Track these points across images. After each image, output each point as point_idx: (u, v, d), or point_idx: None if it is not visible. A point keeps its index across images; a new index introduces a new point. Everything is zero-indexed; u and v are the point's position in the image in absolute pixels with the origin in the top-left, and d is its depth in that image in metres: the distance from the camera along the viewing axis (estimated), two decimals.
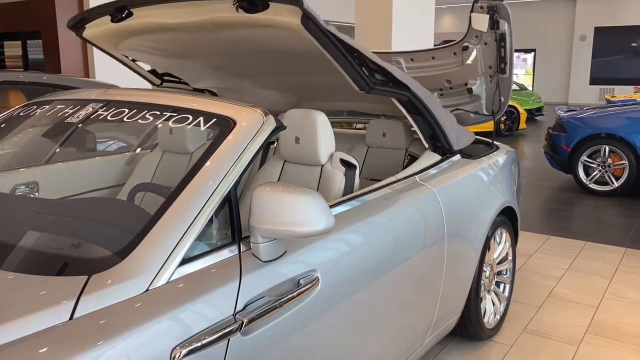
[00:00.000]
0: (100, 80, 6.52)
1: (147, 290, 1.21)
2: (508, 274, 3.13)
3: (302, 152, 2.21)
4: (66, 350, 1.02)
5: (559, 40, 21.14)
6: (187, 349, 1.18)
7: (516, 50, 22.41)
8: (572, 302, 3.43)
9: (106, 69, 7.06)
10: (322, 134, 2.16)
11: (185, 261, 1.30)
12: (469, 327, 2.77)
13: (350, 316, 1.74)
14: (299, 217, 1.37)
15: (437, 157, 2.63)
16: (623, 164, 6.08)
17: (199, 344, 1.20)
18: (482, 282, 2.79)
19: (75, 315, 1.10)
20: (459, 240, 2.44)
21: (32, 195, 2.32)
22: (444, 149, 2.65)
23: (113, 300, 1.15)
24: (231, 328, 1.27)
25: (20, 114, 2.10)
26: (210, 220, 1.40)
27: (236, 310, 1.32)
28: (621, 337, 3.00)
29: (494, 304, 3.00)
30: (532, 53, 21.96)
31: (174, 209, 1.33)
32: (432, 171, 2.47)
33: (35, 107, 2.09)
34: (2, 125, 2.09)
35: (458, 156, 2.75)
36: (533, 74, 22.01)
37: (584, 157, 6.32)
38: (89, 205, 1.57)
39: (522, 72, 22.75)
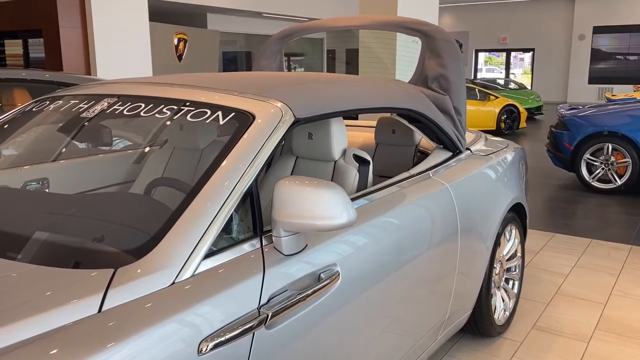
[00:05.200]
0: (102, 77, 6.50)
1: (174, 283, 1.20)
2: (517, 270, 3.12)
3: (315, 148, 2.21)
4: (97, 342, 1.01)
5: (558, 40, 21.17)
6: (214, 342, 1.17)
7: (515, 50, 22.45)
8: (580, 299, 3.43)
9: (108, 67, 7.04)
10: (335, 129, 2.15)
11: (209, 255, 1.29)
12: (480, 323, 2.77)
13: (369, 311, 1.73)
14: (321, 210, 1.36)
15: (448, 154, 2.63)
16: (626, 161, 6.08)
17: (225, 338, 1.20)
18: (492, 278, 2.79)
19: (104, 308, 1.09)
20: (472, 236, 2.43)
21: (50, 191, 2.31)
22: (453, 147, 2.65)
23: (140, 293, 1.14)
24: (256, 321, 1.27)
25: (33, 109, 2.08)
26: (233, 214, 1.39)
27: (260, 304, 1.31)
28: (631, 333, 3.00)
29: (503, 301, 3.00)
30: (531, 52, 21.99)
31: (197, 203, 1.32)
32: (444, 167, 2.47)
33: (48, 102, 2.08)
34: (15, 121, 2.08)
35: (468, 152, 2.74)
36: (532, 74, 22.04)
37: (586, 155, 6.32)
38: (110, 199, 1.56)
39: (520, 71, 22.79)
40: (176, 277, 1.21)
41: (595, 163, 6.31)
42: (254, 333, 1.27)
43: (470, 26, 23.08)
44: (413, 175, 2.26)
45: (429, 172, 2.35)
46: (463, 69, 2.81)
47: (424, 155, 2.92)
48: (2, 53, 7.80)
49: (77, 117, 1.87)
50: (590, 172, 6.36)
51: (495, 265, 2.82)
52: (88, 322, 1.05)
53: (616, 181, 6.17)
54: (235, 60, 18.31)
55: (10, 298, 1.08)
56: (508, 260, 3.02)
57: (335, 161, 2.23)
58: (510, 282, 3.11)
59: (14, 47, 7.67)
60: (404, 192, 2.08)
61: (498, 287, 2.94)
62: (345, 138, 2.21)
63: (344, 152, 2.24)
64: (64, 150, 2.33)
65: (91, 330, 1.03)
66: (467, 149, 2.79)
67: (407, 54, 5.98)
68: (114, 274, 1.16)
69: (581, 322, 3.13)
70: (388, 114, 3.22)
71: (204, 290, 1.21)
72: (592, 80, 20.41)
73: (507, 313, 3.03)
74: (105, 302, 1.10)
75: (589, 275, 3.83)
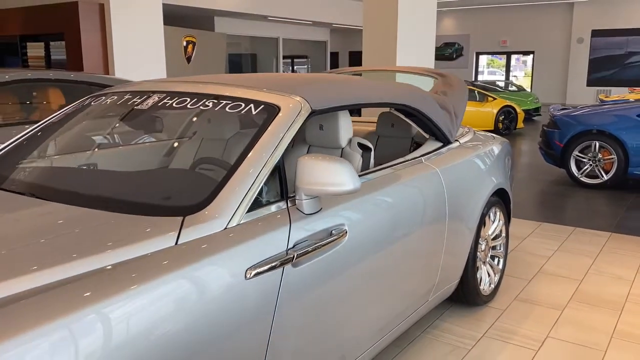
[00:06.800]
0: (120, 77, 6.92)
1: (226, 228, 1.62)
2: (502, 249, 3.54)
3: (325, 137, 2.62)
4: (177, 264, 1.43)
5: (557, 43, 21.58)
6: (256, 271, 1.59)
7: (515, 53, 22.87)
8: (559, 277, 3.85)
9: (125, 68, 7.48)
10: (342, 121, 2.57)
11: (249, 210, 1.71)
12: (467, 293, 3.18)
13: (370, 267, 2.15)
14: (333, 179, 1.78)
15: (439, 144, 3.04)
16: (612, 158, 6.49)
17: (263, 269, 1.62)
18: (478, 253, 3.20)
19: (179, 242, 1.51)
20: (458, 214, 2.85)
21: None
22: (444, 139, 3.07)
23: (203, 233, 1.56)
24: (286, 259, 1.69)
25: (92, 103, 2.51)
26: (266, 182, 1.81)
27: (288, 247, 1.73)
28: (601, 303, 3.42)
29: (489, 275, 3.42)
30: (531, 55, 22.40)
31: (241, 171, 1.74)
32: (435, 155, 2.88)
33: (103, 97, 2.50)
34: (75, 113, 2.50)
35: (457, 143, 3.16)
36: (532, 76, 22.45)
37: (575, 152, 6.74)
38: (169, 173, 1.97)
39: (521, 74, 23.20)
40: (227, 224, 1.63)
41: (584, 160, 6.72)
42: (283, 267, 1.69)
43: (471, 29, 23.52)
44: (407, 160, 2.67)
45: (421, 158, 2.77)
46: (466, 90, 3.47)
47: (419, 146, 3.34)
48: (25, 55, 8.24)
49: (133, 109, 2.30)
50: (578, 168, 6.78)
51: (480, 243, 3.24)
52: (171, 250, 1.47)
53: (603, 176, 6.59)
54: (241, 61, 18.76)
55: (109, 234, 1.50)
56: (493, 239, 3.44)
57: (342, 148, 2.64)
58: (496, 259, 3.52)
59: (36, 50, 8.11)
60: (399, 173, 2.50)
61: (484, 262, 3.35)
62: (350, 129, 2.63)
63: (350, 141, 2.65)
64: (111, 139, 2.75)
65: (174, 255, 1.46)
66: (456, 140, 3.21)
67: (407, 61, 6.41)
68: (183, 220, 1.58)
69: (558, 295, 3.54)
70: (388, 110, 3.65)
71: (248, 234, 1.64)
72: (591, 82, 20.82)
73: (493, 286, 3.44)
74: (180, 237, 1.52)
75: (569, 257, 4.24)
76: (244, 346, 1.58)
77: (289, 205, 1.85)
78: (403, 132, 3.33)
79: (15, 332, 1.14)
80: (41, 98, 5.39)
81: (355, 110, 7.96)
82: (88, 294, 1.27)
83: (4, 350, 1.10)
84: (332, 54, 23.89)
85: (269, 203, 1.81)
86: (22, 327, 1.15)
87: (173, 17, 15.44)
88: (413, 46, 6.57)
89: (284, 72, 18.93)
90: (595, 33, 20.47)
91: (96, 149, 2.67)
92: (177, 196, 1.76)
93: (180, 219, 1.59)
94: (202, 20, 16.07)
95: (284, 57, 19.59)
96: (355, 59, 25.14)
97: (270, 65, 19.37)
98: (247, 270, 1.58)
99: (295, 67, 21.44)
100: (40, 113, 5.16)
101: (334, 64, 25.22)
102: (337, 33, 24.26)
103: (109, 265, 1.37)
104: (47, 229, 1.55)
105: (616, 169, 6.46)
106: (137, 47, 7.56)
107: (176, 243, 1.51)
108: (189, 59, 13.95)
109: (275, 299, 1.67)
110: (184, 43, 13.81)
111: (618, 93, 19.78)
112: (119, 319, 1.28)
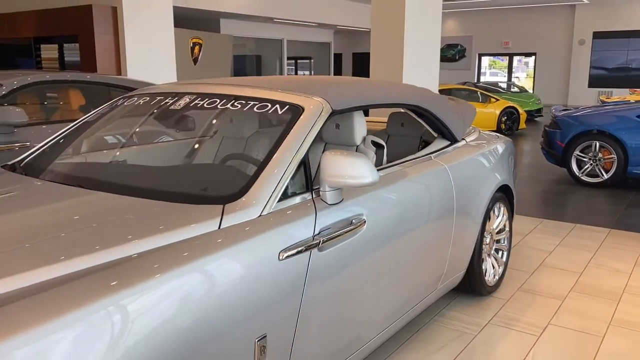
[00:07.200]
0: (132, 78, 7.11)
1: (260, 215, 1.81)
2: (505, 242, 3.72)
3: (341, 135, 2.81)
4: (223, 244, 1.62)
5: (559, 44, 21.76)
6: (287, 254, 1.78)
7: (517, 54, 23.05)
8: (560, 270, 4.03)
9: (137, 70, 7.68)
10: (357, 120, 2.76)
11: (279, 200, 1.90)
12: (473, 283, 3.37)
13: (385, 255, 2.34)
14: (354, 172, 1.97)
15: (447, 142, 3.23)
16: (612, 158, 6.68)
17: (294, 252, 1.81)
18: (483, 246, 3.39)
19: (222, 227, 1.70)
20: (465, 208, 3.03)
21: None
22: (451, 137, 3.26)
23: (241, 220, 1.75)
24: (313, 244, 1.88)
25: (125, 104, 2.70)
26: (293, 175, 2.00)
27: (315, 233, 1.92)
28: (600, 294, 3.60)
29: (493, 267, 3.60)
30: (533, 57, 22.58)
31: (272, 165, 1.93)
32: (443, 153, 3.07)
33: (135, 98, 2.69)
34: (108, 113, 2.69)
35: (464, 142, 3.35)
36: (534, 77, 22.63)
37: (576, 152, 6.93)
38: (209, 166, 2.16)
39: (523, 75, 23.38)
40: (262, 211, 1.82)
41: (584, 159, 6.91)
42: (311, 251, 1.88)
43: (473, 31, 23.70)
44: (418, 157, 2.86)
45: (431, 155, 2.96)
46: (474, 109, 3.73)
47: (427, 144, 3.53)
48: (39, 57, 8.45)
49: (167, 109, 2.49)
50: (579, 167, 6.96)
51: (485, 236, 3.42)
52: (214, 234, 1.66)
53: (603, 175, 6.77)
54: (245, 63, 18.92)
55: (161, 219, 1.69)
56: (497, 233, 3.62)
57: (357, 146, 2.83)
58: (500, 252, 3.71)
59: (49, 52, 8.32)
60: (411, 169, 2.69)
61: (489, 255, 3.54)
62: (364, 127, 2.82)
63: (364, 139, 2.84)
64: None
65: (218, 237, 1.64)
66: (463, 139, 3.40)
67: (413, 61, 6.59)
68: (223, 207, 1.77)
69: (559, 287, 3.72)
70: (398, 110, 3.83)
71: (280, 220, 1.83)
72: (592, 84, 20.99)
73: (497, 277, 3.63)
74: (222, 222, 1.71)
75: (570, 252, 4.43)
76: (279, 318, 1.77)
77: (313, 196, 2.04)
78: (412, 130, 3.52)
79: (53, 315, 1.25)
80: (60, 99, 5.59)
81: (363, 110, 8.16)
82: (156, 265, 1.47)
83: (35, 337, 1.19)
84: (335, 55, 24.06)
85: (295, 194, 2.00)
86: (79, 301, 1.32)
87: (180, 19, 15.63)
88: (419, 47, 6.76)
89: (288, 73, 19.12)
90: (597, 35, 20.65)
91: (132, 146, 2.86)
92: (216, 187, 1.95)
93: (220, 206, 1.78)
94: (208, 22, 16.27)
95: (287, 59, 19.78)
96: (359, 60, 25.34)
97: (274, 66, 19.57)
98: (280, 253, 1.77)
99: (298, 69, 21.62)
100: (60, 113, 5.36)
101: (338, 66, 25.41)
102: (341, 34, 24.45)
103: (166, 245, 1.56)
104: (101, 215, 1.74)
105: (616, 168, 6.64)
106: (148, 49, 7.76)
107: (219, 227, 1.70)
108: (195, 60, 14.16)
109: (304, 278, 1.86)
110: (191, 44, 14.02)
111: (619, 94, 19.95)
112: (180, 286, 1.48)
